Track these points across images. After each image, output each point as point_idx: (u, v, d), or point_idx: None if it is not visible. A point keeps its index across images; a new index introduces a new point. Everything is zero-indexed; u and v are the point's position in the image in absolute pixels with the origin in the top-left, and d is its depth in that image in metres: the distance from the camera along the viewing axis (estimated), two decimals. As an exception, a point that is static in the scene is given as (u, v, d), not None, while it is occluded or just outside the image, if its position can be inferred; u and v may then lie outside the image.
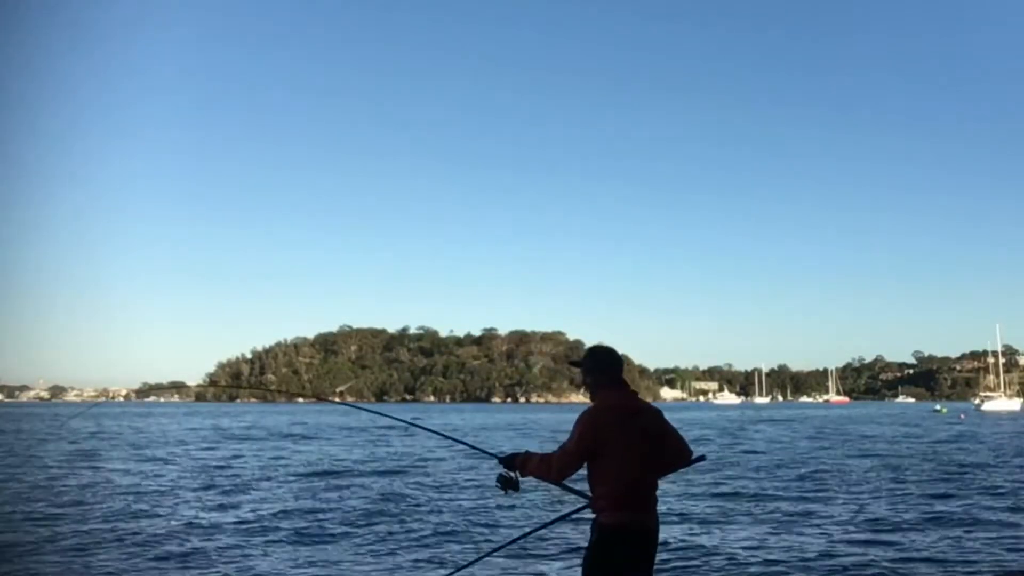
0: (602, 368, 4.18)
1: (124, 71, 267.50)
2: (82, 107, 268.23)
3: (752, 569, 8.91)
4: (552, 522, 5.05)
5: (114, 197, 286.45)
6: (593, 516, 4.07)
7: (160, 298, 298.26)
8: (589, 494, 4.10)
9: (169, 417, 71.88)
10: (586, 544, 4.07)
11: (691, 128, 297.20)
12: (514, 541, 6.48)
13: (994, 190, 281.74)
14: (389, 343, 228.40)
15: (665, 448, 4.16)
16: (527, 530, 6.05)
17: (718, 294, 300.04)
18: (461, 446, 28.93)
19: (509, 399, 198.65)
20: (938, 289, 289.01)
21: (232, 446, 30.87)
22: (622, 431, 3.97)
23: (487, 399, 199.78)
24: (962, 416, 69.08)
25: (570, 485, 4.24)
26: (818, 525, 11.72)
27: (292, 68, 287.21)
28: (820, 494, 15.35)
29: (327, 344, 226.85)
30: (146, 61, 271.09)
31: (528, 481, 4.31)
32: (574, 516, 4.66)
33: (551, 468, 4.06)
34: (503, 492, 4.27)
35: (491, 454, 4.52)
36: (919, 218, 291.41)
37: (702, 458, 4.36)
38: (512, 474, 4.25)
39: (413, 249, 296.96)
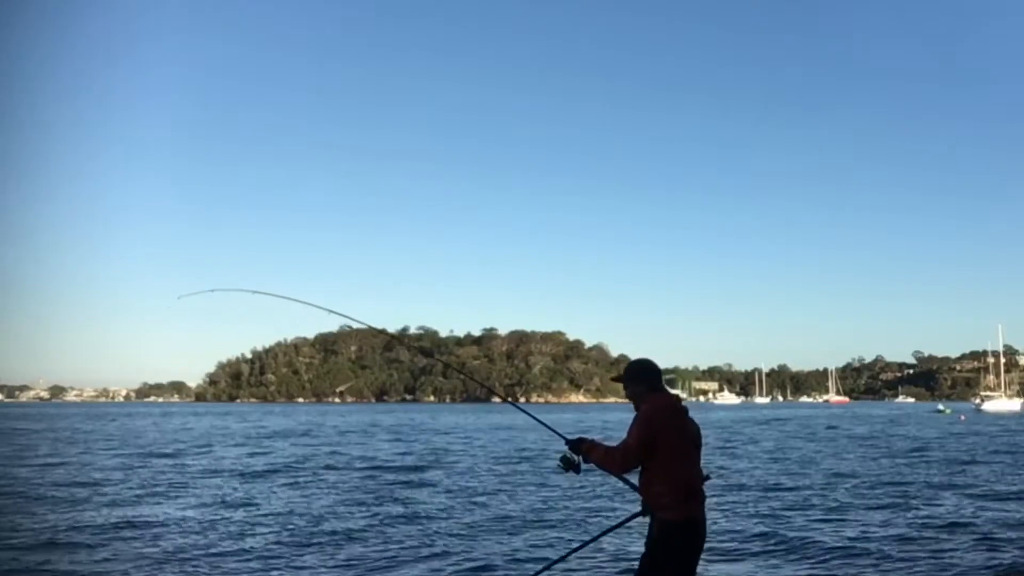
0: (639, 378, 4.56)
1: (124, 71, 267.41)
2: (82, 107, 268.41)
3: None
4: (612, 529, 5.24)
5: (114, 197, 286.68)
6: (644, 512, 4.37)
7: (160, 298, 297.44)
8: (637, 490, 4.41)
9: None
10: (644, 542, 4.35)
11: (691, 128, 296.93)
12: (575, 550, 6.36)
13: (994, 190, 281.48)
14: (389, 343, 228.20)
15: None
16: (586, 539, 6.17)
17: (718, 294, 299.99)
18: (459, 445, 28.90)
19: (509, 399, 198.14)
20: (938, 289, 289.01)
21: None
22: (677, 428, 4.38)
23: (487, 399, 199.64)
24: (962, 417, 68.68)
25: (628, 479, 4.55)
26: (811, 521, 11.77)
27: (292, 68, 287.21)
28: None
29: (327, 344, 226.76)
30: (146, 61, 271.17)
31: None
32: (627, 523, 4.90)
33: (614, 461, 4.38)
34: (563, 472, 4.57)
35: (561, 435, 4.79)
36: (919, 218, 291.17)
37: (707, 477, 4.60)
38: (576, 457, 4.54)
39: (413, 249, 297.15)
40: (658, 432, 4.27)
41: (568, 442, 4.59)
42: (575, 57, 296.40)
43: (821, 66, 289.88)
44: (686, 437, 4.39)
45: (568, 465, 4.55)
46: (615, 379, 4.77)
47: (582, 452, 4.51)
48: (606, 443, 4.52)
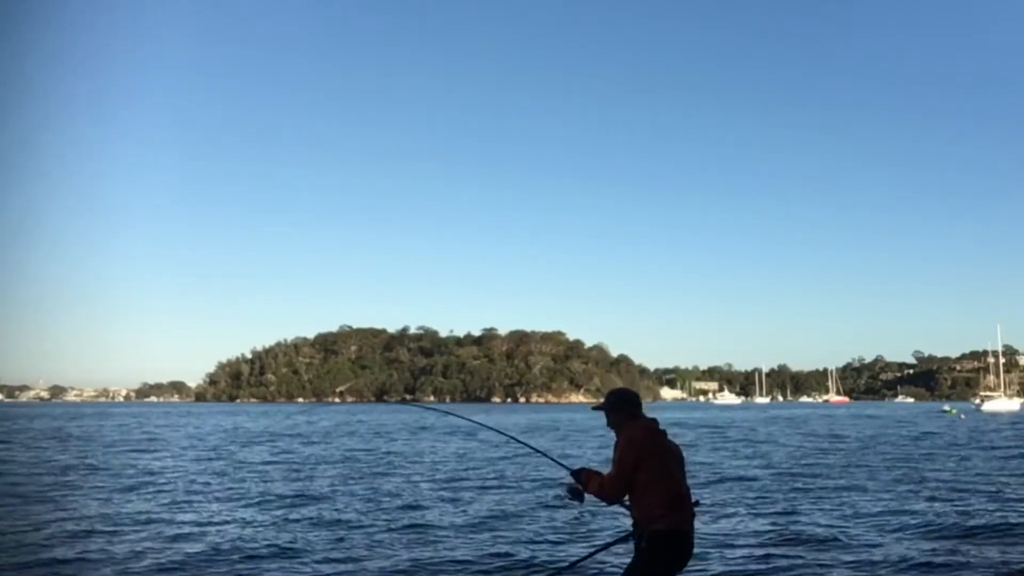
0: (620, 406, 4.73)
1: (124, 71, 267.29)
2: (82, 107, 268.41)
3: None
4: (605, 547, 5.42)
5: (114, 197, 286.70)
6: (634, 526, 4.48)
7: (160, 298, 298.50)
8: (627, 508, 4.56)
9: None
10: (630, 556, 4.45)
11: (691, 128, 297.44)
12: (571, 567, 6.37)
13: (994, 190, 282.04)
14: (389, 343, 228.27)
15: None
16: (577, 557, 6.20)
17: (718, 294, 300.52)
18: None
19: (509, 399, 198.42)
20: (938, 289, 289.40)
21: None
22: (658, 447, 4.54)
23: (487, 399, 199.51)
24: (962, 416, 68.96)
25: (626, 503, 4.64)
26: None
27: (292, 68, 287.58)
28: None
29: (327, 344, 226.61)
30: (145, 61, 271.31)
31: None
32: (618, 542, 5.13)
33: (605, 490, 4.55)
34: (570, 500, 4.80)
35: (564, 466, 5.01)
36: (919, 218, 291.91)
37: (696, 503, 4.69)
38: (580, 486, 4.73)
39: (413, 249, 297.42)
40: (640, 455, 4.44)
41: (571, 472, 4.79)
42: (575, 57, 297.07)
43: (822, 66, 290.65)
44: (669, 455, 4.57)
45: (574, 494, 4.76)
46: (596, 407, 4.95)
47: (582, 481, 4.70)
48: (601, 472, 4.68)
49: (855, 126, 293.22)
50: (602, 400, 4.87)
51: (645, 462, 4.41)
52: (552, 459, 5.46)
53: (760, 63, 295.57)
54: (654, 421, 4.64)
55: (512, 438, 5.75)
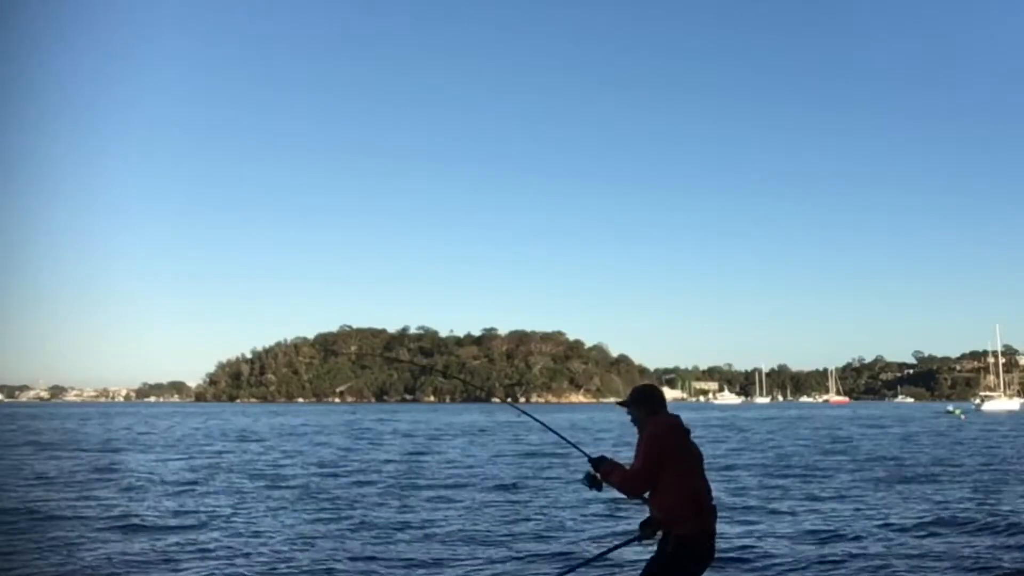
0: (644, 402, 4.71)
1: (124, 71, 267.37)
2: (82, 107, 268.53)
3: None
4: (615, 547, 5.33)
5: (114, 197, 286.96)
6: (645, 524, 4.48)
7: (160, 298, 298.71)
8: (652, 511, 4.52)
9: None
10: (652, 556, 4.46)
11: (691, 128, 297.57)
12: (583, 564, 6.32)
13: (994, 190, 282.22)
14: (389, 343, 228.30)
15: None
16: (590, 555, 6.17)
17: (718, 294, 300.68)
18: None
19: (509, 399, 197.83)
20: (938, 289, 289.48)
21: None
22: (682, 445, 4.52)
23: (487, 399, 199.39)
24: (963, 417, 69.03)
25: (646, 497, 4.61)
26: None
27: (293, 68, 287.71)
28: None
29: (327, 344, 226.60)
30: (146, 61, 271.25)
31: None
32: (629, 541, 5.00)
33: (627, 483, 4.49)
34: (587, 488, 4.71)
35: (585, 453, 4.95)
36: (919, 218, 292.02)
37: None
38: (598, 475, 4.67)
39: (413, 249, 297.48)
40: (664, 451, 4.42)
41: (590, 460, 4.75)
42: (575, 59, 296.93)
43: (821, 66, 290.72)
44: (691, 454, 4.56)
45: (592, 482, 4.68)
46: (620, 403, 4.95)
47: (601, 472, 4.64)
48: (622, 464, 4.63)
49: (855, 126, 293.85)
50: (627, 397, 4.83)
51: (669, 459, 4.39)
52: (573, 445, 5.41)
53: (762, 63, 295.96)
54: (677, 418, 4.64)
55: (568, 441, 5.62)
